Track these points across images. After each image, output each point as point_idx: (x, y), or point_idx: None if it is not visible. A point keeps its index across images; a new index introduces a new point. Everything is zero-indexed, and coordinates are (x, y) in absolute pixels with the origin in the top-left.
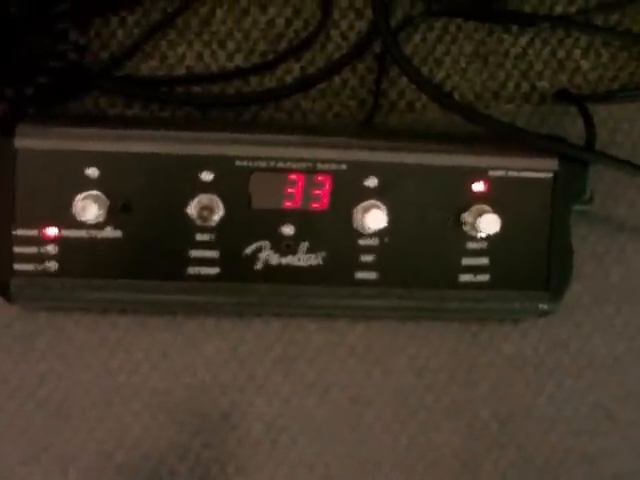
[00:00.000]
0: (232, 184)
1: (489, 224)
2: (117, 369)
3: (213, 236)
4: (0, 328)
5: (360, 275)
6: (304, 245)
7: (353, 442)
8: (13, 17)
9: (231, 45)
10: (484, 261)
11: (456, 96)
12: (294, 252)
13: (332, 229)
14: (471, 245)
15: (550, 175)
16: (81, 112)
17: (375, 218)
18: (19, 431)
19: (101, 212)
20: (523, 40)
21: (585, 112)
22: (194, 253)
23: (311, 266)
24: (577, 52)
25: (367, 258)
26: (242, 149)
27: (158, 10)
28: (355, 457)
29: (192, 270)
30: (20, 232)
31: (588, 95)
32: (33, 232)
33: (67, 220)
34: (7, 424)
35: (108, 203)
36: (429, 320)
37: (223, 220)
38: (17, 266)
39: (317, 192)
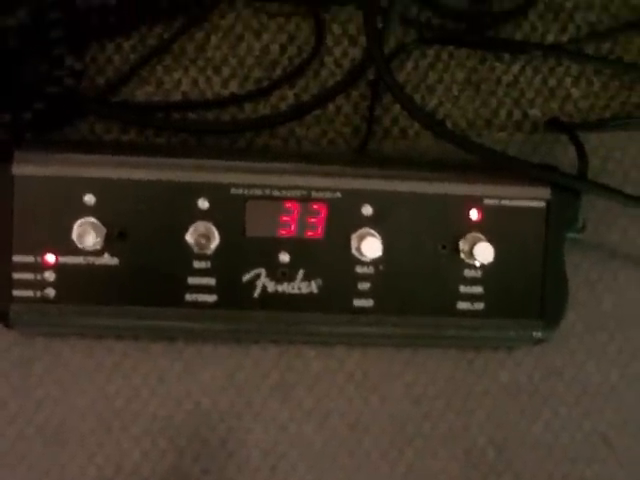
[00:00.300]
0: (227, 212)
1: (483, 253)
2: (114, 394)
3: (210, 264)
4: None
5: (357, 303)
6: (300, 273)
7: (352, 469)
8: (11, 48)
9: (226, 71)
10: (479, 289)
11: (448, 124)
12: (290, 280)
13: (328, 257)
14: (468, 273)
15: (543, 204)
16: (77, 138)
17: (370, 246)
18: (19, 456)
19: (98, 239)
20: (515, 68)
21: (577, 140)
22: (192, 280)
23: (307, 293)
24: (568, 80)
25: (363, 286)
26: (237, 177)
27: (154, 36)
28: None
29: (190, 297)
30: (19, 258)
31: (579, 123)
32: (31, 258)
33: (65, 247)
34: (7, 449)
35: (105, 230)
36: (426, 347)
37: (219, 248)
38: (16, 292)
39: (312, 220)
